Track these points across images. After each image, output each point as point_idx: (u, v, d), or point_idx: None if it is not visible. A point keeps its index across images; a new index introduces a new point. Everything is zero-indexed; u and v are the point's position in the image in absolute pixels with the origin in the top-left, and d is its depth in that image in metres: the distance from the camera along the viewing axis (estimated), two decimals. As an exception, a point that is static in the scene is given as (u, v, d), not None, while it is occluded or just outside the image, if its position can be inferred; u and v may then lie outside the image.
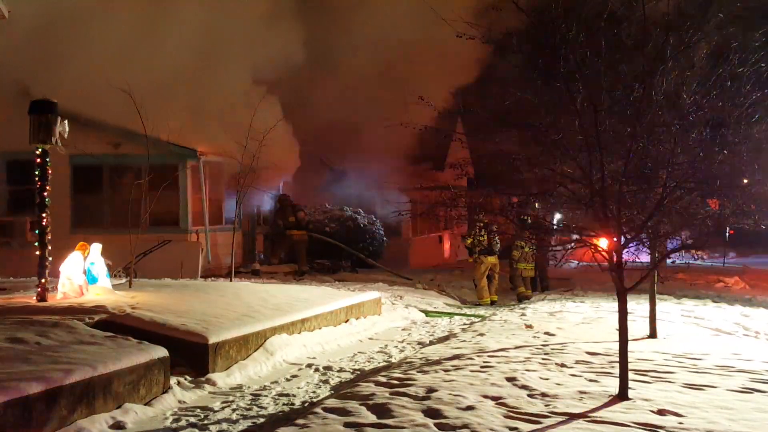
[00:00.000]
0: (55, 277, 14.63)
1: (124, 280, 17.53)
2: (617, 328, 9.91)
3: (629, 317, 10.43)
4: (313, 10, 32.24)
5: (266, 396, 11.08)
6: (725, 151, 10.13)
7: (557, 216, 12.64)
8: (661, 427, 8.29)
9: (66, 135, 14.23)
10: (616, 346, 10.01)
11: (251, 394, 11.17)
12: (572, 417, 8.72)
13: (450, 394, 9.70)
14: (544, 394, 9.73)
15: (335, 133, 32.74)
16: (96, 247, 15.14)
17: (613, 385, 9.86)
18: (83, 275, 14.56)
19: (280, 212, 30.30)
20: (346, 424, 8.57)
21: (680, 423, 8.46)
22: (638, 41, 10.05)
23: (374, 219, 32.76)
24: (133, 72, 22.73)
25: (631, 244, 10.09)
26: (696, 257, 15.31)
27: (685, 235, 10.99)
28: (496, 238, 23.69)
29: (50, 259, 14.13)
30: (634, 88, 9.85)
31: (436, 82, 28.50)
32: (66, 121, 14.22)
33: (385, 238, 33.08)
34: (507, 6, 10.35)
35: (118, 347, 10.71)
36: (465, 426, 8.41)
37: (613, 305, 10.75)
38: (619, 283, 9.70)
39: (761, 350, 13.27)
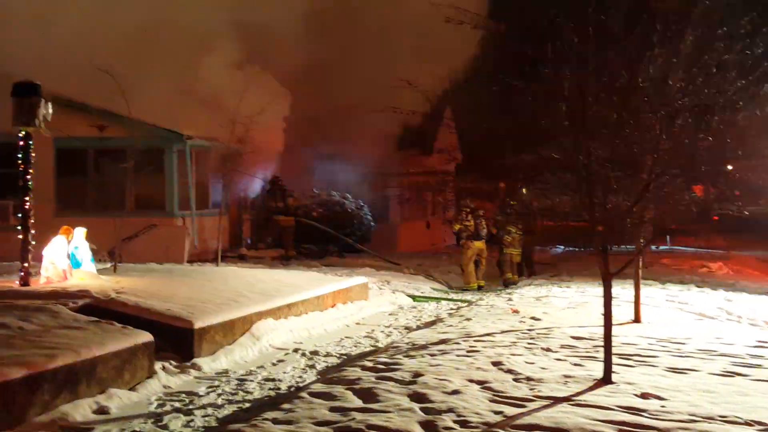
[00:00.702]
0: (39, 261, 14.55)
1: (108, 265, 17.49)
2: (602, 312, 9.93)
3: (614, 302, 10.45)
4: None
5: (252, 381, 11.08)
6: (710, 138, 10.15)
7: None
8: (644, 411, 8.32)
9: (50, 117, 14.14)
10: (601, 331, 10.05)
11: (237, 379, 11.16)
12: (557, 401, 8.74)
13: (436, 378, 9.71)
14: (529, 378, 9.75)
15: (325, 117, 32.71)
16: (80, 231, 15.10)
17: (597, 369, 9.89)
18: (67, 259, 14.50)
19: (270, 194, 30.28)
20: (332, 409, 8.57)
21: (663, 406, 8.49)
22: (626, 28, 10.05)
23: (362, 204, 32.77)
24: (120, 54, 22.66)
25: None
26: (681, 243, 15.38)
27: (669, 220, 11.02)
28: (484, 223, 23.68)
29: (33, 243, 14.07)
30: (621, 75, 9.84)
31: (427, 68, 28.50)
32: (50, 104, 14.13)
33: (372, 223, 33.09)
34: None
35: (102, 332, 10.69)
36: (450, 410, 8.42)
37: (599, 290, 10.80)
38: (605, 268, 9.72)
39: (743, 334, 13.32)
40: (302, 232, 30.35)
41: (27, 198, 13.93)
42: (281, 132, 30.34)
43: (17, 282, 13.95)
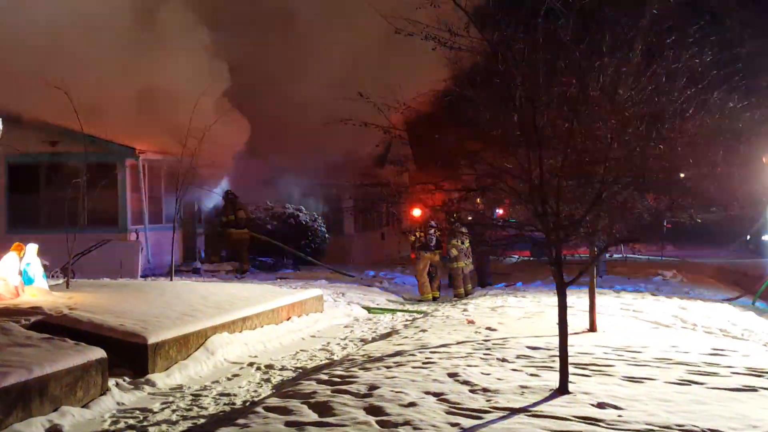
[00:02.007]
0: (-10, 278, 14.36)
1: (61, 281, 17.29)
2: (558, 322, 9.96)
3: (570, 311, 10.48)
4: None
5: (207, 396, 10.98)
6: (661, 146, 10.23)
7: (497, 211, 12.67)
8: (600, 421, 8.33)
9: (0, 133, 13.99)
10: (556, 340, 10.06)
11: (192, 395, 11.06)
12: (513, 411, 8.74)
13: (392, 391, 9.67)
14: (485, 390, 9.74)
15: (278, 128, 32.57)
16: (32, 248, 14.90)
17: (553, 379, 9.90)
18: (19, 276, 14.31)
19: (223, 207, 30.21)
20: (288, 423, 8.51)
21: (620, 416, 8.51)
22: (575, 37, 10.12)
23: (316, 216, 32.73)
24: (71, 69, 22.44)
25: (570, 238, 10.15)
26: (634, 251, 15.50)
27: (621, 229, 11.09)
28: (435, 233, 23.60)
29: (-16, 260, 13.88)
30: (572, 84, 9.90)
31: (381, 78, 28.41)
32: (0, 120, 13.98)
33: (327, 235, 33.05)
34: (445, 2, 10.34)
35: (54, 349, 10.53)
36: (407, 423, 8.38)
37: (554, 299, 10.82)
38: (559, 277, 9.74)
39: (699, 342, 13.42)
40: (257, 245, 30.25)
41: (-23, 215, 13.76)
42: (235, 145, 30.17)
43: (-32, 300, 13.75)
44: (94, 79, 24.47)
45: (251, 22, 31.19)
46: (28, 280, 14.58)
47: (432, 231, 23.36)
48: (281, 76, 31.99)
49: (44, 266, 15.31)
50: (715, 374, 10.52)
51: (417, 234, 23.78)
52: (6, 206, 26.29)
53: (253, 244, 29.98)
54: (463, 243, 23.72)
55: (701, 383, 10.02)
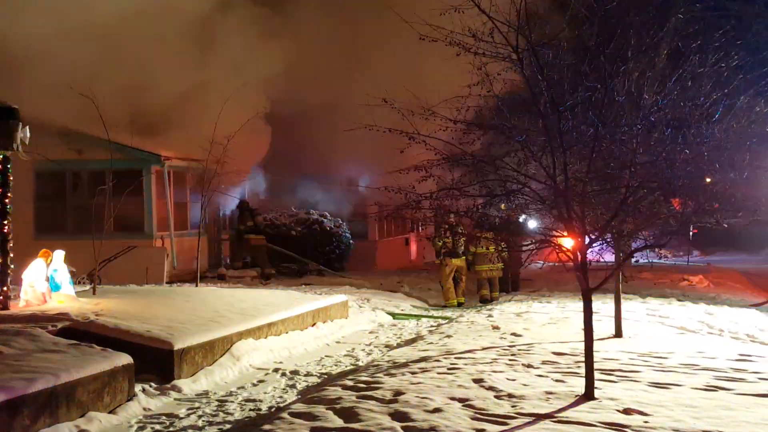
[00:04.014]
0: (18, 284, 14.47)
1: (88, 287, 17.39)
2: (583, 327, 9.93)
3: (595, 317, 10.45)
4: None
5: (233, 402, 11.01)
6: (687, 151, 10.19)
7: (531, 222, 12.60)
8: (627, 426, 8.32)
9: (27, 141, 14.08)
10: (582, 346, 10.05)
11: (217, 400, 11.10)
12: (539, 417, 8.73)
13: (417, 396, 9.68)
14: (510, 395, 9.74)
15: (303, 135, 32.60)
16: (59, 254, 15.00)
17: (579, 385, 9.88)
18: (46, 282, 14.42)
19: (241, 217, 30.33)
20: (313, 429, 8.54)
21: (646, 422, 8.49)
22: (599, 42, 10.09)
23: (340, 222, 32.74)
24: (96, 76, 22.58)
25: (595, 244, 10.12)
26: (660, 257, 15.41)
27: (648, 234, 11.06)
28: (461, 239, 23.59)
29: (12, 266, 13.97)
30: (596, 89, 9.88)
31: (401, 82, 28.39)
32: (27, 127, 14.06)
33: (351, 241, 33.06)
34: (469, 8, 10.32)
35: (81, 355, 10.60)
36: (432, 429, 8.39)
37: (579, 305, 10.81)
38: (584, 282, 9.72)
39: (725, 348, 13.35)
40: (281, 251, 30.34)
41: (5, 221, 13.84)
42: (260, 150, 30.25)
43: (-5, 306, 13.85)
44: (121, 87, 24.63)
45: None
46: (55, 287, 14.67)
47: (458, 237, 23.34)
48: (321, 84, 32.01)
49: (71, 273, 15.40)
50: (741, 380, 10.47)
51: (445, 240, 23.74)
52: (33, 213, 26.43)
53: (273, 249, 30.10)
54: (487, 249, 23.66)
55: (728, 389, 9.98)
